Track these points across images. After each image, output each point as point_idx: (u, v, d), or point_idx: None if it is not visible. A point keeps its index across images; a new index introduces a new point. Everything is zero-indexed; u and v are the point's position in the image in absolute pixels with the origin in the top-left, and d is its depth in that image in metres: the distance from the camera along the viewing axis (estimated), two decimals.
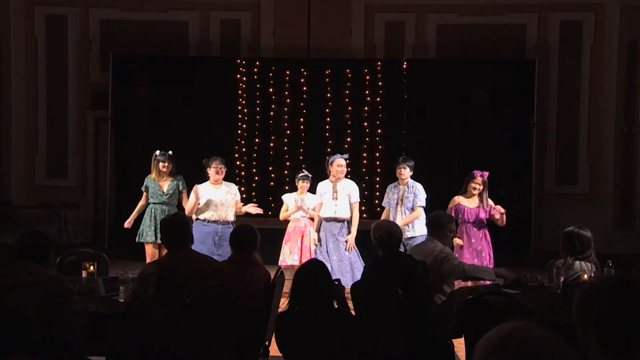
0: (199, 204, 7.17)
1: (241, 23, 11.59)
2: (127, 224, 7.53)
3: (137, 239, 7.40)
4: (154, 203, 7.44)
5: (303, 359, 3.74)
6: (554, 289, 4.89)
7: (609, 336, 1.74)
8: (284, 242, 7.68)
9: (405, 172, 7.42)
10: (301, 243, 7.47)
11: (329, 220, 7.38)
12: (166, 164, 7.41)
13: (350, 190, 7.45)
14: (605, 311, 1.76)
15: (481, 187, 6.96)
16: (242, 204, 7.50)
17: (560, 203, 11.11)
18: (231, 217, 7.20)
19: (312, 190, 7.72)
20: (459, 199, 7.06)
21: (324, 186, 7.52)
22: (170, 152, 7.50)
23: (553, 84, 11.40)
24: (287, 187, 10.79)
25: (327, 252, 7.30)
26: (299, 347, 3.72)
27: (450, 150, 10.65)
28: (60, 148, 11.68)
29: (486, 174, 7.00)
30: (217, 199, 7.19)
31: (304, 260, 7.21)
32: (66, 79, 11.63)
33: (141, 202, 7.52)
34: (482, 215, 6.98)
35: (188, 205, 7.24)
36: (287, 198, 7.84)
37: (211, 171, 7.24)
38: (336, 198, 7.36)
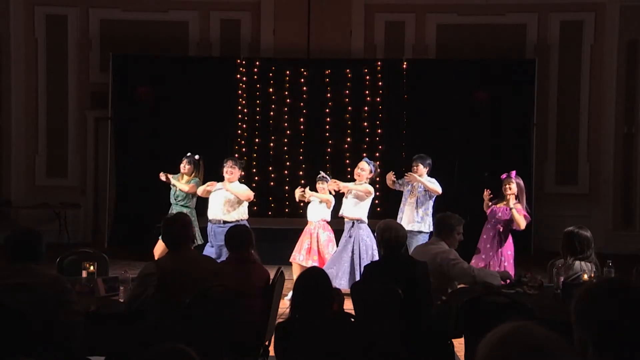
0: (209, 191, 7.26)
1: (241, 23, 11.59)
2: (163, 176, 7.58)
3: None
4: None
5: None
6: (554, 289, 4.88)
7: (606, 339, 1.74)
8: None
9: (418, 169, 7.51)
10: (309, 245, 7.48)
11: (342, 217, 7.49)
12: (184, 165, 7.53)
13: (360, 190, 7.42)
14: (603, 314, 1.75)
15: (504, 187, 6.93)
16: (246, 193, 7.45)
17: (560, 203, 11.11)
18: (223, 217, 7.15)
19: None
20: None
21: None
22: (197, 156, 7.59)
23: (553, 84, 11.40)
24: (287, 187, 10.82)
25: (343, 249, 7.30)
26: (298, 355, 3.69)
27: (451, 150, 10.63)
28: (60, 148, 11.67)
29: (513, 173, 6.96)
30: (214, 197, 7.27)
31: (307, 261, 7.26)
32: (66, 79, 11.63)
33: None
34: (488, 212, 6.98)
35: (199, 188, 7.38)
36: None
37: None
38: (346, 197, 7.46)
